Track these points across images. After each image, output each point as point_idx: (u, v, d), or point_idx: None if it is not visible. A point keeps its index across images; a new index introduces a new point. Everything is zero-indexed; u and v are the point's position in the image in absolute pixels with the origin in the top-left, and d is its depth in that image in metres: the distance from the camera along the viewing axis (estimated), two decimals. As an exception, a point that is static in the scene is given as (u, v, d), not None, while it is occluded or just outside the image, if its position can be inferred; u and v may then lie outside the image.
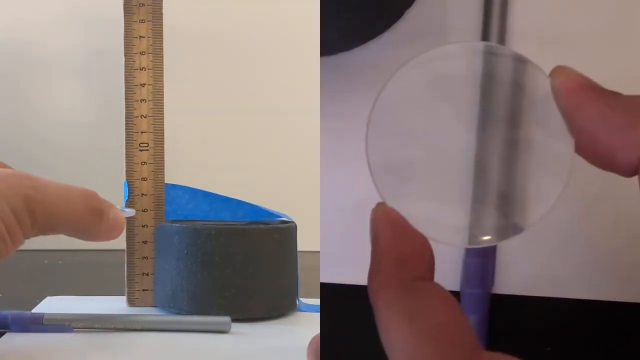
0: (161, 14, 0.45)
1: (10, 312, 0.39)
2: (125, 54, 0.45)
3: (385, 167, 0.24)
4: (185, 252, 0.43)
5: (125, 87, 0.45)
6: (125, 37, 0.45)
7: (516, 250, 0.33)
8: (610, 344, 0.33)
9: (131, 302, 0.45)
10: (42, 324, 0.39)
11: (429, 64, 0.24)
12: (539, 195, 0.23)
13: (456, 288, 0.33)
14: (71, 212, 0.33)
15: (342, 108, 0.35)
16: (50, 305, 0.46)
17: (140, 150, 0.45)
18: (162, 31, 0.45)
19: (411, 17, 0.35)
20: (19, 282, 0.58)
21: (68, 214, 0.33)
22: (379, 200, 0.24)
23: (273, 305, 0.44)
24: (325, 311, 0.29)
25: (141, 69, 0.45)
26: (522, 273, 0.33)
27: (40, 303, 0.46)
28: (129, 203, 0.45)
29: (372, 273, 0.23)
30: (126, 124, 0.45)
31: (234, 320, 0.41)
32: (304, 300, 0.46)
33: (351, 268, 0.31)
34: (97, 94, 0.82)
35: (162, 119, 0.45)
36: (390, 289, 0.22)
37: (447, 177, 0.24)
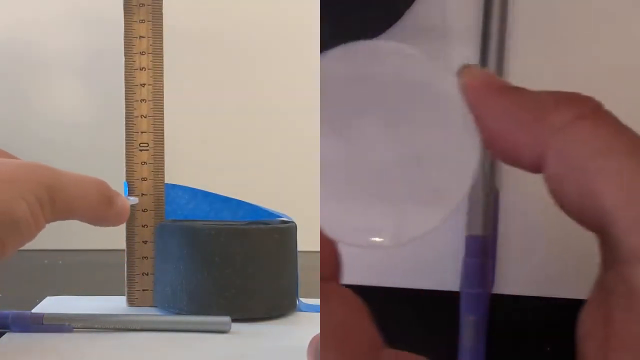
0: (161, 14, 0.45)
1: (10, 312, 0.39)
2: (125, 54, 0.45)
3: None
4: (185, 252, 0.43)
5: (125, 87, 0.45)
6: (125, 37, 0.45)
7: (516, 250, 0.34)
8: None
9: (131, 302, 0.45)
10: (42, 323, 0.39)
11: (350, 59, 0.24)
12: (444, 193, 0.23)
13: (456, 288, 0.33)
14: (86, 198, 0.37)
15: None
16: (50, 305, 0.46)
17: (140, 150, 0.45)
18: (162, 31, 0.45)
19: (410, 17, 0.35)
20: (19, 282, 0.59)
21: (84, 201, 0.36)
22: None
23: (273, 305, 0.44)
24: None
25: (141, 69, 0.45)
26: (522, 273, 0.33)
27: (40, 303, 0.46)
28: (129, 203, 0.45)
29: None
30: (126, 124, 0.45)
31: (234, 320, 0.41)
32: (304, 300, 0.46)
33: (351, 268, 0.31)
34: (97, 94, 0.82)
35: (162, 119, 0.45)
36: None
37: (352, 178, 0.24)
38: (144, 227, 0.45)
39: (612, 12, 0.33)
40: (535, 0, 0.33)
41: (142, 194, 0.45)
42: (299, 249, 0.46)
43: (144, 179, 0.45)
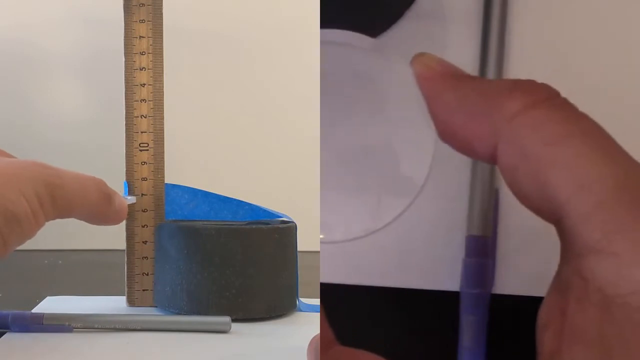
0: (161, 14, 0.45)
1: (10, 312, 0.39)
2: (125, 54, 0.45)
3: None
4: (185, 252, 0.43)
5: (125, 87, 0.45)
6: (125, 37, 0.45)
7: (516, 250, 0.33)
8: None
9: (131, 302, 0.45)
10: (42, 323, 0.39)
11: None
12: (400, 186, 0.23)
13: (456, 288, 0.33)
14: (86, 196, 0.37)
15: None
16: (50, 305, 0.46)
17: (140, 150, 0.45)
18: (162, 31, 0.45)
19: (410, 18, 0.35)
20: (19, 282, 0.59)
21: (83, 199, 0.37)
22: None
23: (273, 305, 0.44)
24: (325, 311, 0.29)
25: (141, 69, 0.45)
26: (522, 273, 0.33)
27: (40, 303, 0.46)
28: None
29: None
30: (126, 124, 0.45)
31: (234, 320, 0.41)
32: (304, 300, 0.46)
33: (351, 268, 0.31)
34: (97, 94, 0.82)
35: (162, 119, 0.45)
36: None
37: (324, 171, 0.24)
38: (144, 227, 0.45)
39: (613, 13, 0.33)
40: (535, 0, 0.33)
41: (142, 194, 0.45)
42: (299, 249, 0.46)
43: (144, 179, 0.45)
